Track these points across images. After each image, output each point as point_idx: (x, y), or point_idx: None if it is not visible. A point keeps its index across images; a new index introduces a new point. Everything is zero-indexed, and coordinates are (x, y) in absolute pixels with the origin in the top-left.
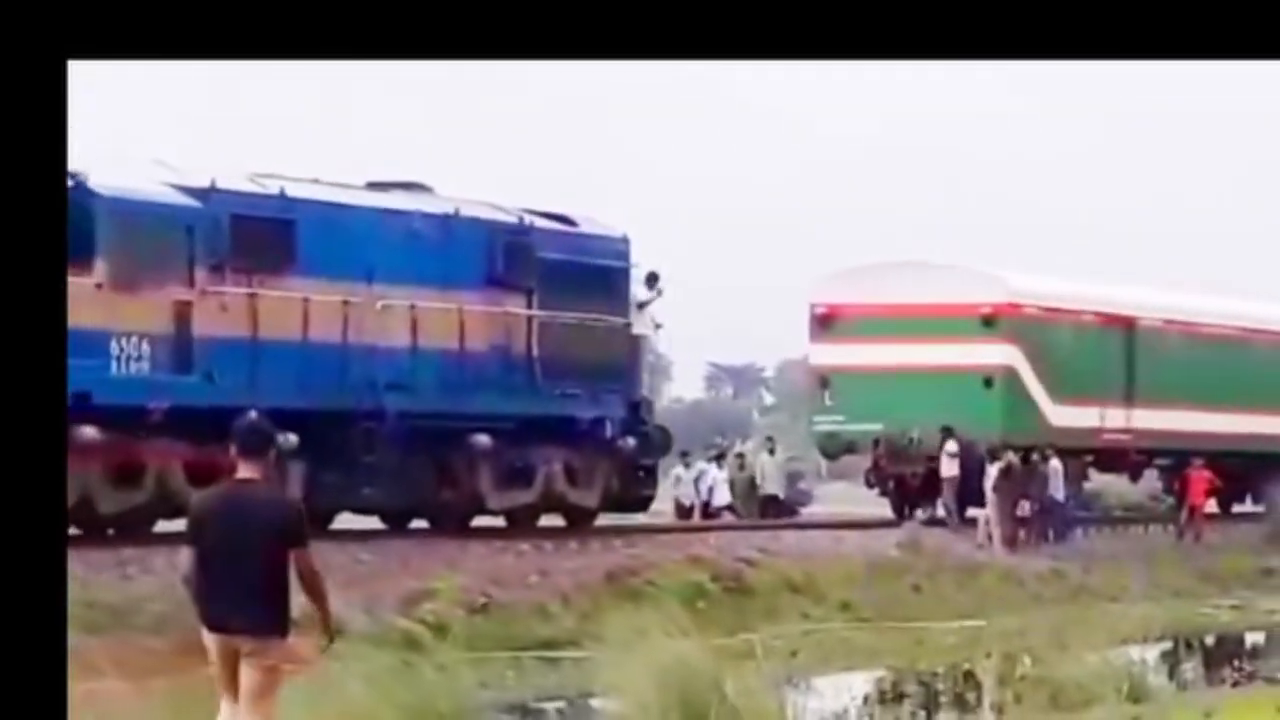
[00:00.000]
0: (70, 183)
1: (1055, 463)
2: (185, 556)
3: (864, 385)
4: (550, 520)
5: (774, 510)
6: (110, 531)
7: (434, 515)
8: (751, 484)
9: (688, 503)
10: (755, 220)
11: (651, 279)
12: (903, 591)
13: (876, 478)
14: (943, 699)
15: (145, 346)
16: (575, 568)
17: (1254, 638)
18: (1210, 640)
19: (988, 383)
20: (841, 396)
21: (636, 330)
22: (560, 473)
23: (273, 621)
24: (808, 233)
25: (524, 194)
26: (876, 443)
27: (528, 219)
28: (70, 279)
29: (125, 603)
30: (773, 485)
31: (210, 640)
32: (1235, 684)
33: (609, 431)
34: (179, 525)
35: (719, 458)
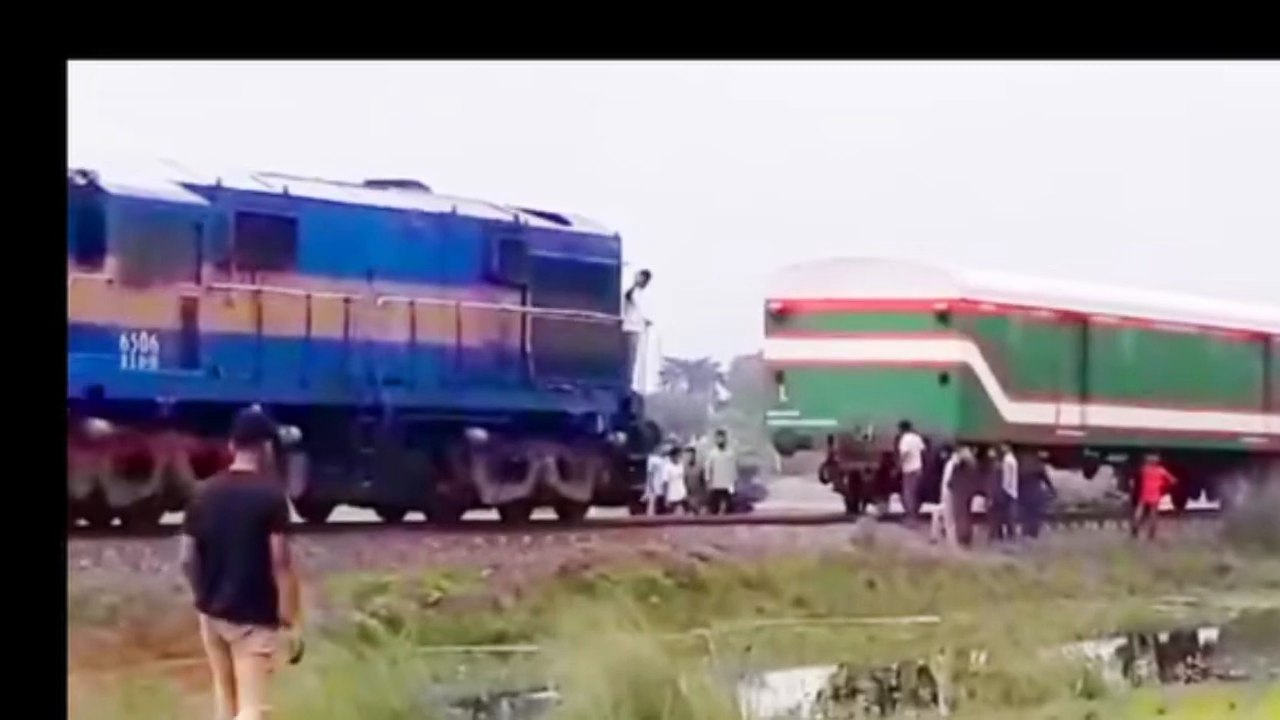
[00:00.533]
0: (81, 181)
1: (1010, 459)
2: (184, 544)
3: (819, 381)
4: (494, 514)
5: (724, 504)
6: (116, 522)
7: (430, 508)
8: (702, 479)
9: (642, 498)
10: (711, 215)
11: (643, 277)
12: (857, 587)
13: (831, 473)
14: (897, 695)
15: (154, 342)
16: (528, 562)
17: (1208, 634)
18: (1164, 637)
19: (943, 379)
20: (796, 392)
21: (627, 327)
22: (553, 467)
23: (259, 608)
24: (763, 228)
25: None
26: (831, 438)
27: (522, 217)
28: (82, 275)
29: (79, 594)
30: (722, 480)
31: (203, 623)
32: (1189, 681)
33: (600, 426)
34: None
35: (674, 453)
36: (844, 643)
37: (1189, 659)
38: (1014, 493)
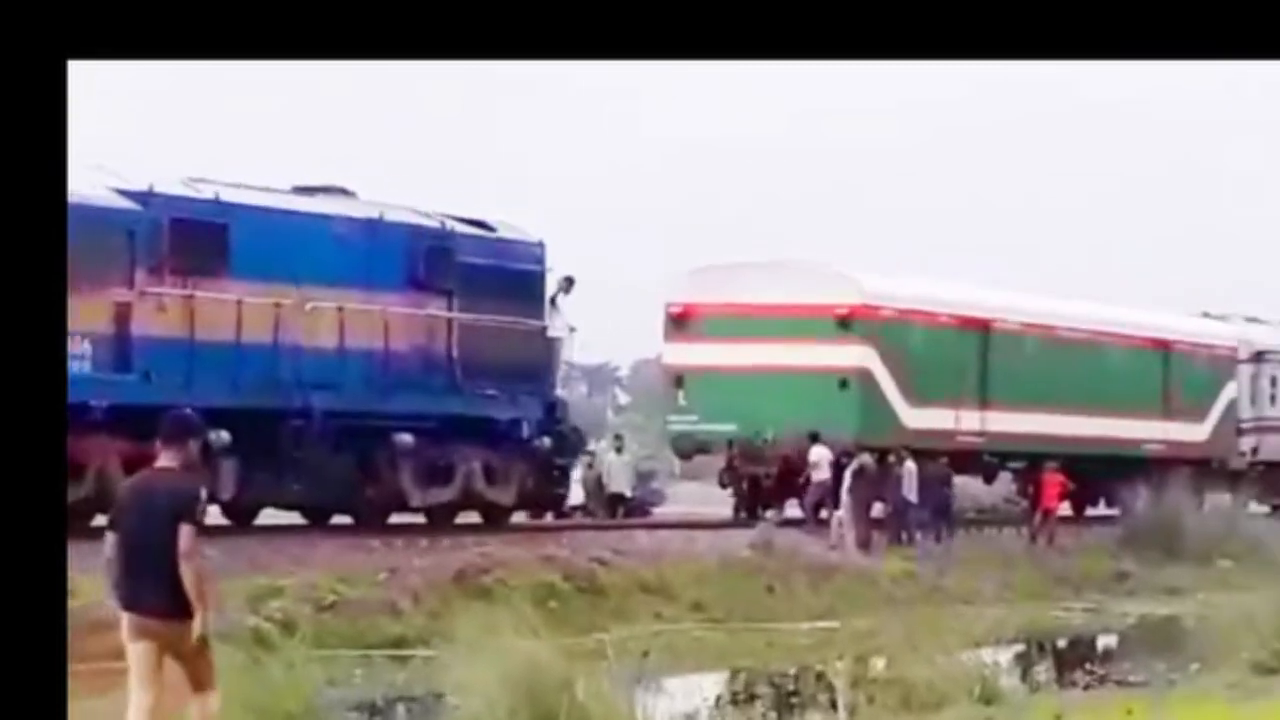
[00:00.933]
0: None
1: (910, 464)
2: (107, 541)
3: (718, 385)
4: (400, 518)
5: (622, 509)
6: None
7: (357, 512)
8: (599, 483)
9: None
10: (610, 218)
11: (567, 283)
12: (755, 592)
13: (730, 478)
14: (795, 700)
15: (87, 346)
16: (425, 565)
17: (1106, 641)
18: (1062, 643)
19: (843, 384)
20: (695, 396)
21: (552, 333)
22: (479, 471)
23: (174, 602)
24: (665, 231)
25: (375, 188)
26: (730, 443)
27: (448, 224)
28: None
29: None
30: (619, 484)
31: (125, 621)
32: (1087, 687)
33: (526, 431)
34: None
35: None
36: (742, 648)
37: (1087, 665)
38: (914, 498)
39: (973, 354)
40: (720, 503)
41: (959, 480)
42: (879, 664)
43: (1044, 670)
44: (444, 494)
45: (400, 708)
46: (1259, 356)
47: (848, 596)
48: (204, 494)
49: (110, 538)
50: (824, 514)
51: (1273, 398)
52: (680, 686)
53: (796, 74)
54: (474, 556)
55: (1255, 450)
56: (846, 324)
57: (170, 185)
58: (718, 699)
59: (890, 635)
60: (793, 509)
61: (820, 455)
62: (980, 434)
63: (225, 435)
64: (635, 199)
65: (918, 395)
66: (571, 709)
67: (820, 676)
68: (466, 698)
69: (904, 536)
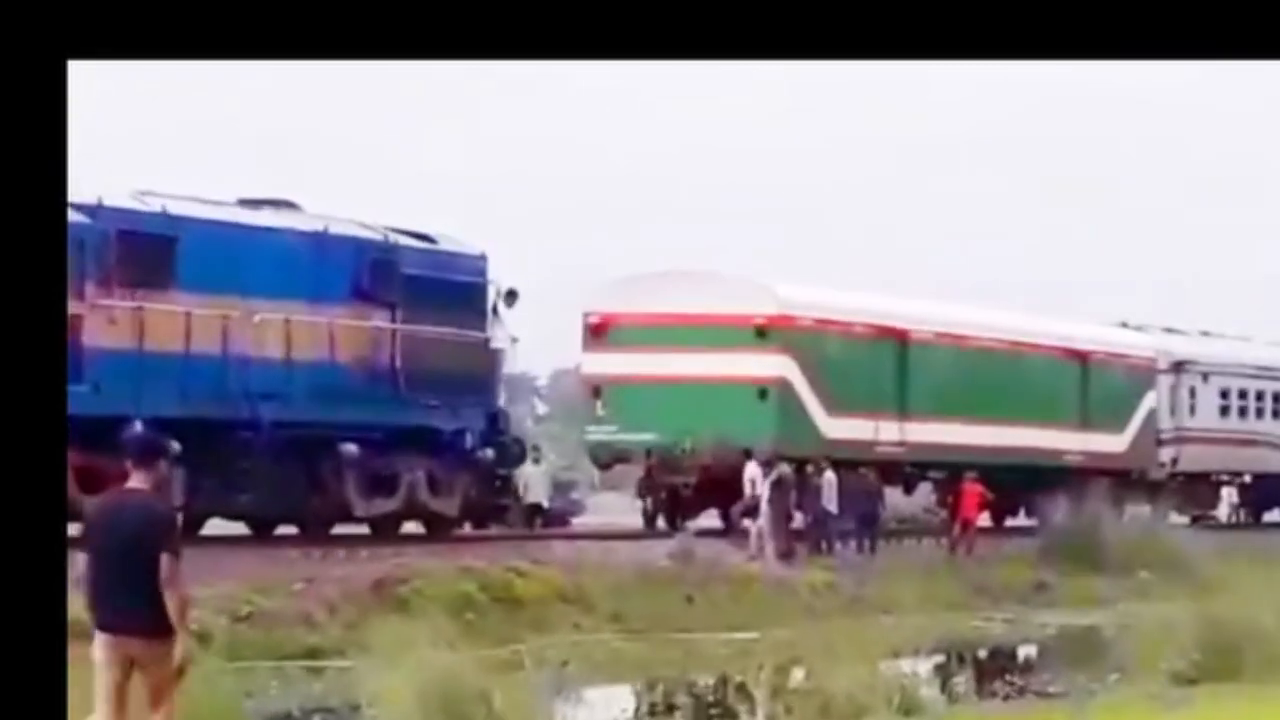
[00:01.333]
0: None
1: (830, 475)
2: (78, 561)
3: (637, 395)
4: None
5: (539, 519)
6: None
7: (303, 522)
8: (517, 493)
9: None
10: (527, 227)
11: (510, 295)
12: (674, 603)
13: (648, 488)
14: (714, 711)
15: None
16: (342, 576)
17: (1026, 651)
18: (982, 653)
19: (761, 394)
20: (614, 406)
21: (494, 344)
22: (423, 481)
23: (154, 622)
24: (581, 240)
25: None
26: (649, 453)
27: (392, 237)
28: None
29: None
30: (537, 494)
31: (99, 642)
32: (1006, 697)
33: (469, 442)
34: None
35: None
36: (661, 658)
37: (1007, 676)
38: (834, 508)
39: (891, 364)
40: (639, 513)
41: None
42: (798, 674)
43: (963, 681)
44: (388, 504)
45: (316, 719)
46: (1178, 367)
47: (767, 607)
48: (179, 519)
49: (81, 557)
50: (746, 524)
51: (1192, 408)
52: (599, 697)
53: (719, 75)
54: (390, 567)
55: (1175, 461)
56: (764, 334)
57: (118, 198)
58: (636, 710)
59: (810, 646)
60: (710, 519)
61: (753, 472)
62: (899, 444)
63: (175, 446)
64: (553, 208)
65: (836, 405)
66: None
67: (740, 687)
68: (383, 708)
69: (824, 546)
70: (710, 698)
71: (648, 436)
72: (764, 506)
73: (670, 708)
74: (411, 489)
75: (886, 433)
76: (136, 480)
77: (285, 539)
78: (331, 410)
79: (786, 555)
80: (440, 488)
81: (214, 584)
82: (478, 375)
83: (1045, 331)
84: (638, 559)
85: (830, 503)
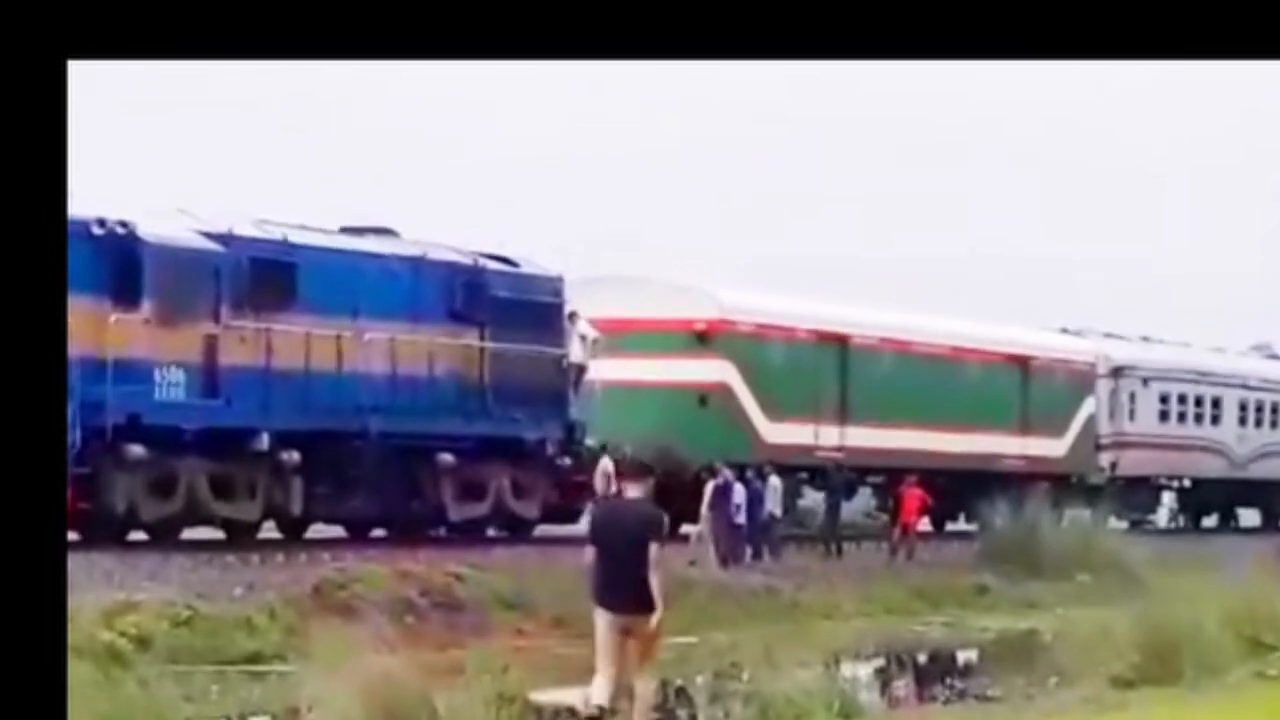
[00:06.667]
0: (122, 231)
1: (774, 480)
2: (587, 551)
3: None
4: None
5: None
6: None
7: (399, 526)
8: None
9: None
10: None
11: (570, 318)
12: None
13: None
14: (655, 714)
15: (181, 375)
16: (282, 581)
17: (966, 655)
18: (922, 657)
19: (702, 400)
20: None
21: (572, 359)
22: (508, 487)
23: (646, 600)
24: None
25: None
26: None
27: (480, 261)
28: (122, 315)
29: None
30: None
31: (601, 616)
32: (946, 702)
33: (549, 450)
34: (200, 534)
35: None
36: None
37: (947, 680)
38: (778, 512)
39: (832, 369)
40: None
41: (819, 496)
42: (738, 679)
43: (904, 685)
44: (478, 509)
45: None
46: (1117, 372)
47: (707, 612)
48: (666, 519)
49: (590, 550)
50: (686, 528)
51: (1131, 413)
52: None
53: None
54: (331, 572)
55: (1114, 465)
56: (705, 339)
57: (246, 227)
58: (576, 715)
59: (749, 650)
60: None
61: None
62: (839, 449)
63: (296, 456)
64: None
65: (777, 410)
66: None
67: (680, 692)
68: (323, 713)
69: (765, 552)
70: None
71: (587, 441)
72: (704, 511)
73: (611, 711)
74: (498, 494)
75: (826, 437)
76: (632, 491)
77: (220, 544)
78: (430, 422)
79: (725, 560)
80: (523, 493)
81: (153, 589)
82: (556, 389)
83: (986, 336)
84: (578, 563)
85: (775, 507)
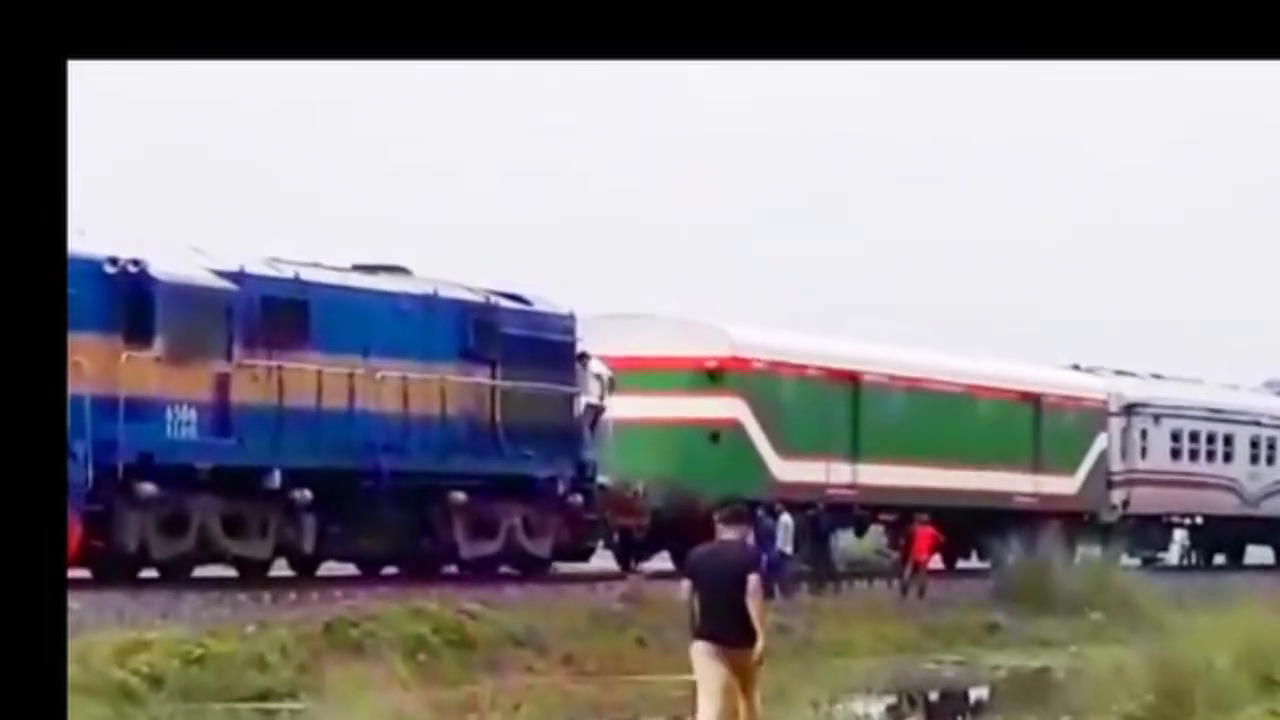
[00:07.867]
0: (134, 269)
1: (786, 518)
2: (684, 588)
3: None
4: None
5: None
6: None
7: (412, 564)
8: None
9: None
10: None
11: (581, 358)
12: (627, 645)
13: (601, 530)
14: None
15: (193, 413)
16: (294, 618)
17: (978, 693)
18: (934, 695)
19: (714, 437)
20: None
21: (584, 398)
22: (520, 525)
23: (746, 633)
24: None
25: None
26: (602, 494)
27: (492, 299)
28: (133, 353)
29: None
30: None
31: (701, 647)
32: None
33: (560, 489)
34: (212, 571)
35: None
36: (614, 701)
37: (959, 718)
38: (789, 550)
39: (843, 406)
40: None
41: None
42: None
43: None
44: (490, 547)
45: None
46: (1129, 409)
47: None
48: (763, 556)
49: (687, 586)
50: None
51: (1143, 450)
52: None
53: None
54: (343, 609)
55: (1126, 503)
56: (717, 376)
57: (257, 265)
58: None
59: (762, 688)
60: (663, 561)
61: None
62: (851, 486)
63: (308, 494)
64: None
65: (788, 448)
66: None
67: None
68: None
69: (776, 590)
70: None
71: (601, 479)
72: None
73: None
74: (510, 532)
75: (838, 475)
76: (729, 534)
77: (232, 582)
78: (441, 460)
79: None
80: (535, 531)
81: (165, 626)
82: (567, 427)
83: (997, 374)
84: (590, 601)
85: (786, 545)
